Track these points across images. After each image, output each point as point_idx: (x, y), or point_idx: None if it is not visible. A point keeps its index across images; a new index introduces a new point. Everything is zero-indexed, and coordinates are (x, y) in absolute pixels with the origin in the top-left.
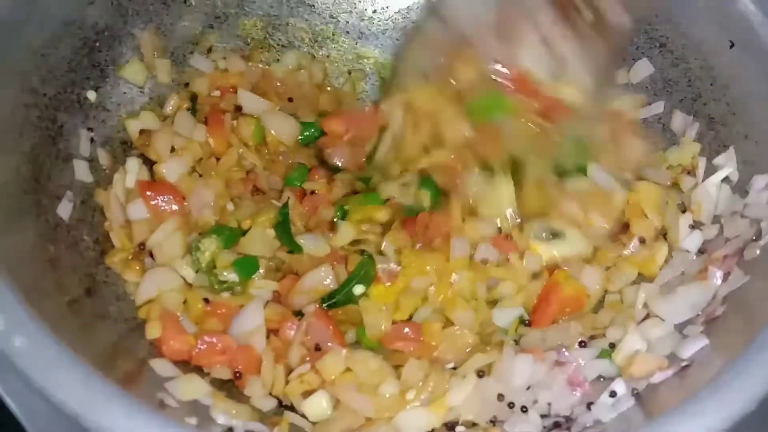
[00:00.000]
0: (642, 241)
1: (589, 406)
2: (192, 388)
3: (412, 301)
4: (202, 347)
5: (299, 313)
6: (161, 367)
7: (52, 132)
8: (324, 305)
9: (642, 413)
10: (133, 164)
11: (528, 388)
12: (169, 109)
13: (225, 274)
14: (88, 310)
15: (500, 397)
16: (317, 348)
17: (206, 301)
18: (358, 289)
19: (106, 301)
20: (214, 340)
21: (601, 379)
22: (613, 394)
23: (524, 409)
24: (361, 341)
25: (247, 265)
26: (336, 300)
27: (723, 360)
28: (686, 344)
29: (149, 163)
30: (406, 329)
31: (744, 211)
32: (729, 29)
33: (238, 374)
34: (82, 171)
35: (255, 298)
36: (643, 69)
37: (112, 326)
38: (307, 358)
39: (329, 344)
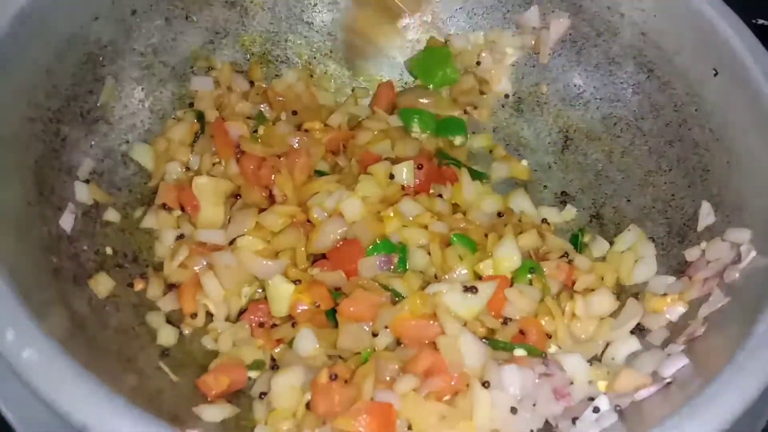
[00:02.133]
0: None
1: (574, 421)
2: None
3: None
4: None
5: None
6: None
7: (56, 145)
8: None
9: (625, 430)
10: None
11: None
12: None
13: None
14: (91, 321)
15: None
16: None
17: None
18: None
19: (107, 311)
20: None
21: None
22: (596, 409)
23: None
24: None
25: None
26: None
27: (703, 378)
28: (668, 363)
29: None
30: None
31: (724, 234)
32: (713, 58)
33: None
34: (83, 194)
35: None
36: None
37: (113, 336)
38: None
39: None
